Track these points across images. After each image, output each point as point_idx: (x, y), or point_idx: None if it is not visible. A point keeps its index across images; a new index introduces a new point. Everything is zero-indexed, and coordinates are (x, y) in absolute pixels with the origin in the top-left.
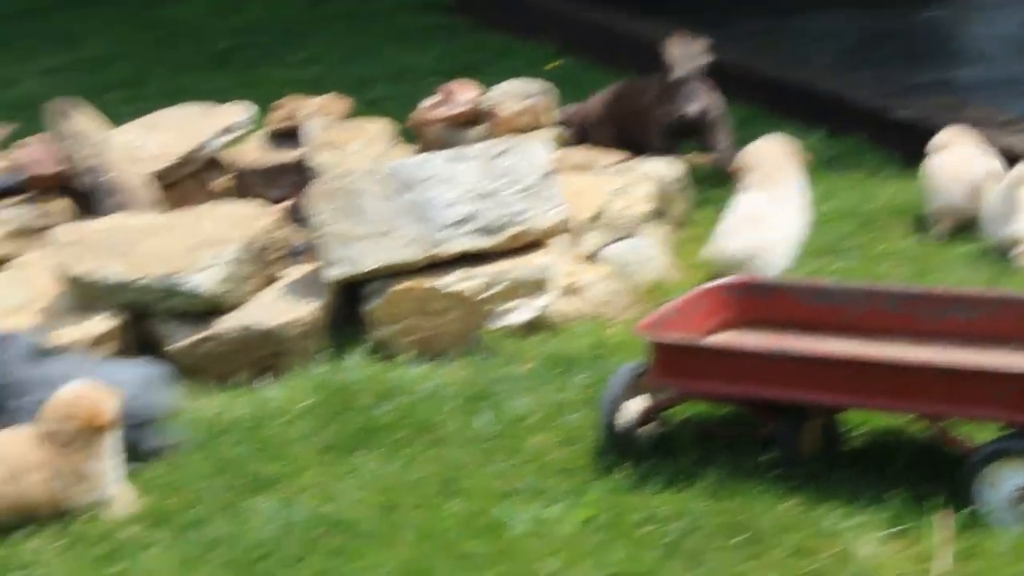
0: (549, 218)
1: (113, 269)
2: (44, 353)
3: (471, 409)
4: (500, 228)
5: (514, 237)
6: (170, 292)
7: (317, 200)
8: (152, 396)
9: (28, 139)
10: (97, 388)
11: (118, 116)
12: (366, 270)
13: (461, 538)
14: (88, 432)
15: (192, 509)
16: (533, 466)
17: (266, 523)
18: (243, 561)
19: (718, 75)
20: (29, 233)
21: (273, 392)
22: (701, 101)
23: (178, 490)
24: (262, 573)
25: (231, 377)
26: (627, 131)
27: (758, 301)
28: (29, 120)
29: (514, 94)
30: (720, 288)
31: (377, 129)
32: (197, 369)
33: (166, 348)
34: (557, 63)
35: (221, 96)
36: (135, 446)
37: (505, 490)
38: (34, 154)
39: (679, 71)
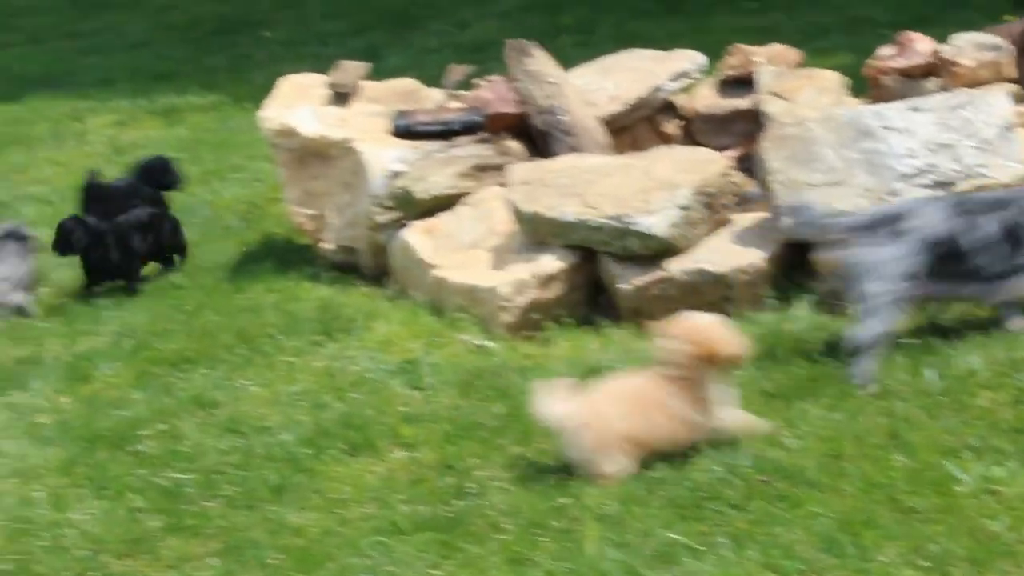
0: (1007, 174)
1: (568, 208)
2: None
3: (918, 363)
4: (955, 181)
5: None
6: (623, 232)
7: (770, 147)
8: None
9: (483, 79)
10: (724, 324)
11: (569, 59)
12: None
13: (905, 491)
14: (705, 362)
15: None
16: (982, 424)
17: (710, 466)
18: (686, 501)
19: None
20: (486, 170)
21: None
22: None
23: None
24: (705, 515)
25: None
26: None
27: None
28: (483, 62)
29: (973, 46)
30: None
31: (828, 79)
32: (641, 310)
33: (616, 288)
34: (1014, 18)
35: (670, 42)
36: None
37: (952, 446)
38: (494, 93)
39: None
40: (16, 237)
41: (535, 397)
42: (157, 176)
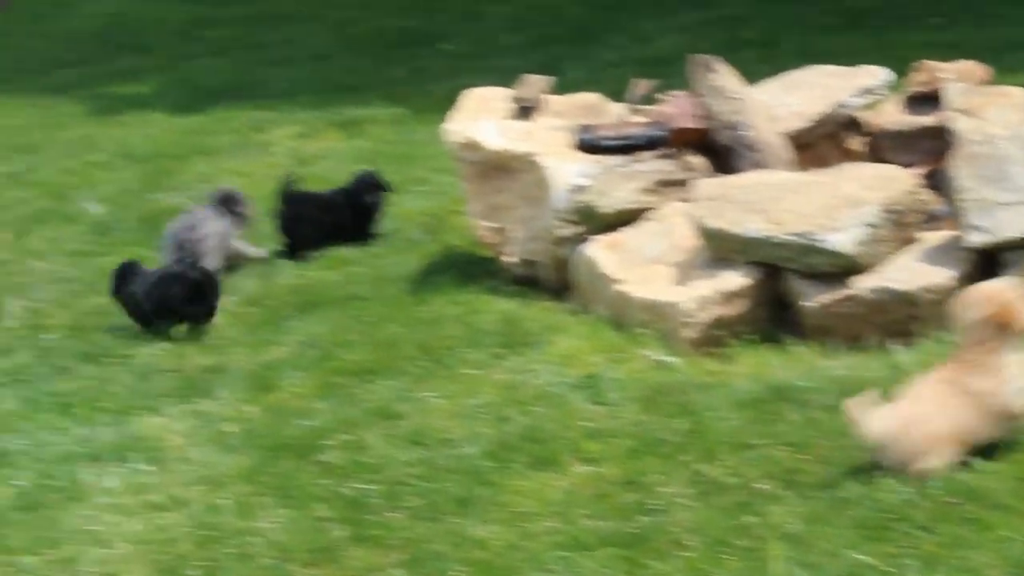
0: None
1: (752, 224)
2: None
3: None
4: None
5: None
6: (808, 249)
7: (959, 165)
8: None
9: (667, 94)
10: (1018, 289)
11: (751, 74)
12: (1009, 238)
13: None
14: (1000, 328)
15: (822, 469)
16: None
17: (897, 487)
18: (872, 522)
19: None
20: (669, 185)
21: (906, 357)
22: None
23: (809, 448)
24: (892, 536)
25: (860, 338)
26: None
27: None
28: (663, 76)
29: None
30: None
31: (1018, 96)
32: (825, 328)
33: (800, 305)
34: None
35: (854, 58)
36: None
37: None
38: (677, 108)
39: None
40: (223, 202)
41: (851, 414)
42: (364, 190)
